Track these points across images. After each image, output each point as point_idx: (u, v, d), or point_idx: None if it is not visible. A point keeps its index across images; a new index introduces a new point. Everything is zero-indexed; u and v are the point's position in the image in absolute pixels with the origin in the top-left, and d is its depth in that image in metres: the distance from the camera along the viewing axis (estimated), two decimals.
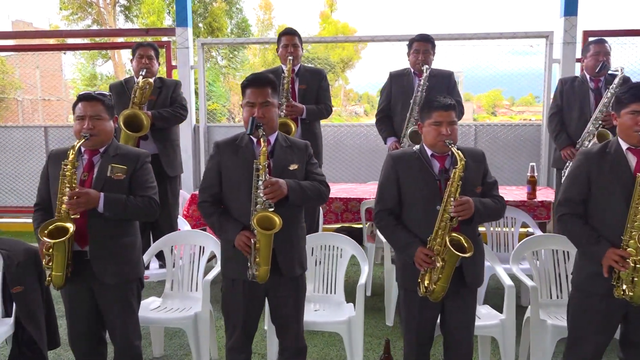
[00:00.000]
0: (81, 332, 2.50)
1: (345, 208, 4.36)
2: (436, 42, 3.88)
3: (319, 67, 4.09)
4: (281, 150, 2.42)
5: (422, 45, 3.72)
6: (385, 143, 3.93)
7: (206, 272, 3.14)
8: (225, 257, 2.48)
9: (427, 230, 2.31)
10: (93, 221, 2.35)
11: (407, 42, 3.84)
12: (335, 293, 3.12)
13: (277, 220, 2.24)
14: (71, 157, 2.30)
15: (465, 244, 2.21)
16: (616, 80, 3.58)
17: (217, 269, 3.02)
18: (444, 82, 3.75)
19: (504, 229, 3.96)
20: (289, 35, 3.89)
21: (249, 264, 2.32)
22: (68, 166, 2.29)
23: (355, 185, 5.16)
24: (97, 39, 8.62)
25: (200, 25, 20.27)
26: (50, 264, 2.27)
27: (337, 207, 4.32)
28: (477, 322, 2.76)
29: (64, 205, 2.26)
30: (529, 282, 2.81)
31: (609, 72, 3.74)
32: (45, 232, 2.21)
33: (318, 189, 2.42)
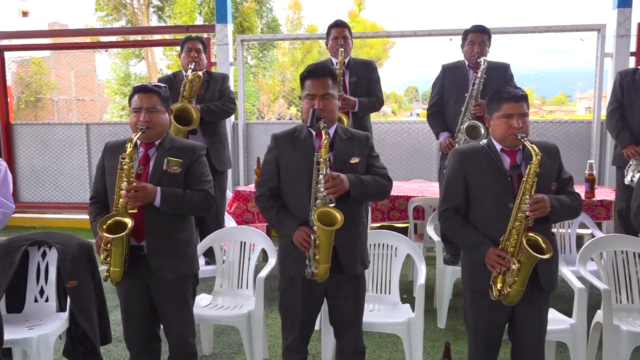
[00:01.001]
0: (136, 328, 2.46)
1: (392, 206, 4.25)
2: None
3: (369, 59, 3.98)
4: (341, 142, 2.33)
5: (478, 36, 3.57)
6: (438, 138, 3.79)
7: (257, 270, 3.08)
8: (283, 254, 2.39)
9: (498, 229, 2.18)
10: (149, 216, 2.30)
11: (462, 34, 3.70)
12: (390, 293, 3.01)
13: (339, 216, 2.14)
14: (129, 150, 2.25)
15: (544, 245, 2.07)
16: None
17: (269, 266, 2.95)
18: (501, 75, 3.58)
19: (560, 230, 3.78)
20: (339, 27, 3.79)
21: (307, 262, 2.24)
22: (126, 159, 2.24)
23: (401, 182, 5.03)
24: (131, 38, 8.67)
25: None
26: (108, 259, 2.23)
27: (383, 205, 4.21)
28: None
29: (121, 200, 2.22)
30: (601, 285, 2.65)
31: None
32: (104, 227, 2.17)
33: (380, 183, 2.31)
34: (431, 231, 3.77)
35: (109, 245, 2.20)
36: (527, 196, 2.10)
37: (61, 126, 6.89)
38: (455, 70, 3.72)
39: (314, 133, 2.31)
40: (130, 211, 2.22)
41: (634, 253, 2.84)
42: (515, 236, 2.12)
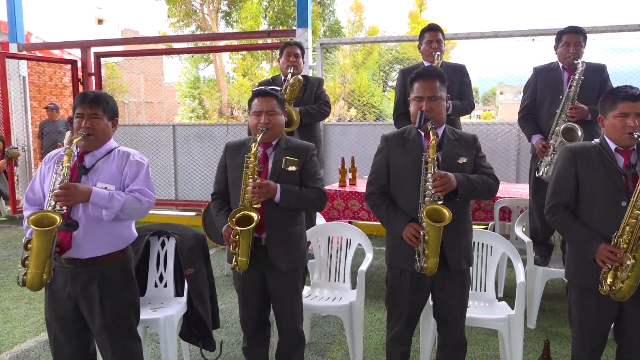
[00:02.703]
0: (252, 313, 2.66)
1: (477, 206, 4.29)
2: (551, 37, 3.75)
3: (461, 63, 4.05)
4: (449, 143, 2.43)
5: (574, 37, 3.55)
6: (530, 141, 3.80)
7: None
8: (391, 248, 2.52)
9: (609, 227, 2.21)
10: (270, 210, 2.49)
11: (555, 35, 3.69)
12: (486, 291, 3.08)
13: (447, 213, 2.24)
14: (254, 149, 2.44)
15: None
16: None
17: (368, 260, 3.09)
18: (597, 76, 3.54)
19: None
20: (433, 31, 3.89)
21: (416, 256, 2.35)
22: (251, 158, 2.44)
23: None
24: (205, 43, 9.07)
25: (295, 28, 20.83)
26: (236, 249, 2.43)
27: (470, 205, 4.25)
28: None
29: (247, 195, 2.42)
30: None
31: None
32: (233, 220, 2.38)
33: (487, 182, 2.40)
34: (519, 232, 3.79)
35: (237, 237, 2.40)
36: None
37: (150, 127, 7.35)
38: (548, 72, 3.70)
39: (422, 134, 2.43)
40: (254, 206, 2.41)
41: None
42: (629, 233, 2.14)
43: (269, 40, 6.83)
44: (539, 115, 3.74)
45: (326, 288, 3.29)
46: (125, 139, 7.36)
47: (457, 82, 3.90)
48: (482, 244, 3.12)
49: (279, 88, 2.64)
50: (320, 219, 4.17)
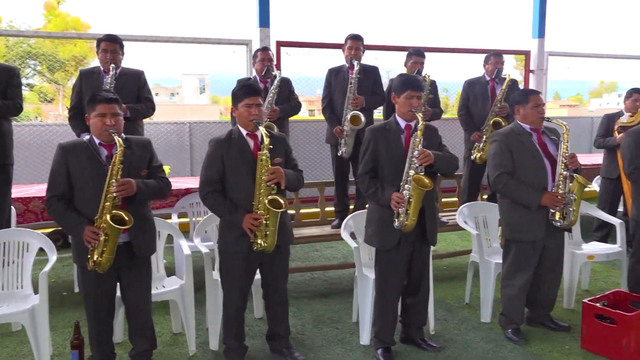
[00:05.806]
0: None
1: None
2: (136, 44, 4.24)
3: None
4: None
5: (111, 45, 4.03)
6: (79, 137, 4.03)
7: None
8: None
9: (95, 210, 2.57)
10: None
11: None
12: (22, 287, 3.14)
13: (127, 217, 2.57)
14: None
15: (126, 217, 2.54)
16: (275, 82, 4.44)
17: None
18: (135, 80, 4.14)
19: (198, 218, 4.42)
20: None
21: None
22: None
23: None
24: None
25: None
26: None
27: (35, 206, 4.23)
28: (160, 290, 3.15)
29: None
30: (204, 250, 3.26)
31: (273, 74, 4.58)
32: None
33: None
34: None
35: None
36: (114, 180, 2.54)
37: None
38: (91, 75, 4.13)
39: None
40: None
41: None
42: (106, 214, 2.53)
43: None
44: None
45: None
46: None
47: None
48: (19, 242, 3.17)
49: None
50: None
